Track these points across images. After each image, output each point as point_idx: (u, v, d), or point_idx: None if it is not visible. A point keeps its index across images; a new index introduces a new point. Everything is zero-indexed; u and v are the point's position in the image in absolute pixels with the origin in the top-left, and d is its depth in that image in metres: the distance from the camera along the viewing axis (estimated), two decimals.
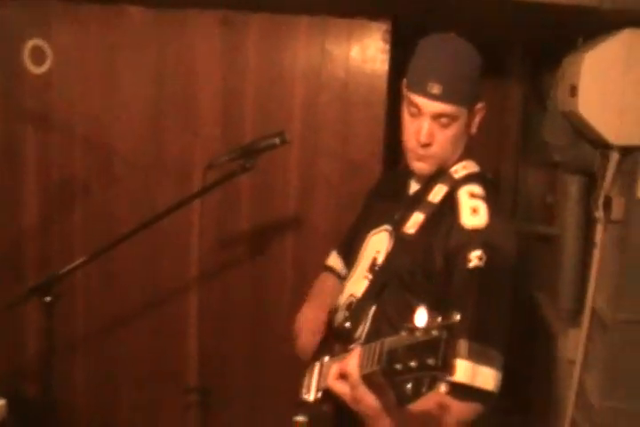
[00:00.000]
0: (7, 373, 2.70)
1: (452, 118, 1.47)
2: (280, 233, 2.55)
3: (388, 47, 2.43)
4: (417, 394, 1.06)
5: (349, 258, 1.79)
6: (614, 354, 2.06)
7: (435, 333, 0.96)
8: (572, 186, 2.59)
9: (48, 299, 1.78)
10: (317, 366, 1.61)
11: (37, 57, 2.47)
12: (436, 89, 1.43)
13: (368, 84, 2.45)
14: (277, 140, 1.76)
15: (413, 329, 0.99)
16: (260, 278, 2.59)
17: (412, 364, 0.96)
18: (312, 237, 2.52)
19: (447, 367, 0.95)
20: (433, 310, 1.01)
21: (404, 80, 1.54)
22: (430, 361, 0.95)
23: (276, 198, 2.52)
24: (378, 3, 2.20)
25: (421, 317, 0.99)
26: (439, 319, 0.98)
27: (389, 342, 1.03)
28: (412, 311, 1.44)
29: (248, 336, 2.64)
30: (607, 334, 2.10)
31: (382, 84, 2.43)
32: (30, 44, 2.45)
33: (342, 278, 1.83)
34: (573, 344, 2.37)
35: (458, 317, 0.97)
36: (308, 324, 1.72)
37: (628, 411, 2.06)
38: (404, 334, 1.00)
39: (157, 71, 2.49)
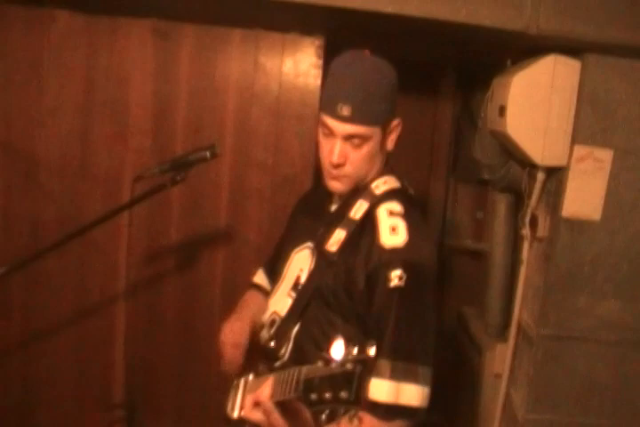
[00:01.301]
0: None
1: (364, 139, 1.48)
2: (210, 246, 2.52)
3: (320, 62, 2.45)
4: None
5: (275, 274, 1.78)
6: (539, 368, 2.11)
7: (349, 366, 0.97)
8: (501, 204, 2.66)
9: None
10: (242, 383, 1.61)
11: None
12: (345, 111, 1.43)
13: (300, 98, 2.45)
14: (208, 154, 1.73)
15: (329, 360, 0.99)
16: (190, 291, 2.55)
17: (327, 395, 0.98)
18: (242, 249, 2.50)
19: (359, 402, 0.97)
20: (352, 338, 1.02)
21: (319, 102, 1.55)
22: (343, 394, 0.96)
23: (206, 211, 2.49)
24: (310, 18, 2.21)
25: (338, 348, 1.00)
26: (355, 352, 0.99)
27: (306, 370, 1.04)
28: (335, 330, 1.46)
29: (176, 350, 2.58)
30: (532, 348, 2.15)
31: (314, 98, 2.43)
32: None
33: (268, 295, 1.81)
34: (500, 358, 2.42)
35: (373, 351, 0.99)
36: (231, 337, 1.70)
37: (552, 423, 2.12)
38: (320, 364, 1.01)
39: (87, 78, 2.42)
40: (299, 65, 2.45)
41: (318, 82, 2.44)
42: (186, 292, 2.54)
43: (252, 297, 1.89)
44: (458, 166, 3.40)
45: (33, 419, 2.63)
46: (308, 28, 2.40)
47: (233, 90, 2.44)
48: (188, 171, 1.73)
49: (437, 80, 3.33)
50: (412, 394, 1.39)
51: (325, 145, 1.52)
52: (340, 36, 2.41)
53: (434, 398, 1.45)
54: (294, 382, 1.06)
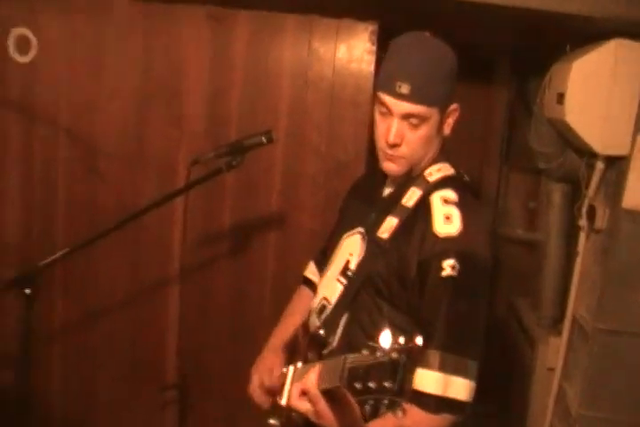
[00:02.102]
0: None
1: (422, 119, 1.44)
2: (263, 230, 2.54)
3: (374, 48, 2.42)
4: (375, 415, 1.05)
5: (326, 262, 1.78)
6: (595, 364, 2.06)
7: (395, 355, 0.95)
8: (556, 193, 2.60)
9: (28, 291, 1.75)
10: (291, 370, 1.61)
11: (22, 46, 2.43)
12: (404, 89, 1.40)
13: (354, 84, 2.44)
14: (264, 139, 1.74)
15: (375, 349, 0.98)
16: (242, 276, 2.57)
17: (371, 385, 0.96)
18: (295, 235, 2.50)
19: (403, 393, 0.94)
20: (400, 327, 0.99)
21: (377, 80, 1.52)
22: (387, 384, 0.94)
23: (260, 196, 2.50)
24: (365, 3, 2.19)
25: (385, 337, 0.98)
26: (402, 341, 0.97)
27: (352, 358, 1.03)
28: (384, 319, 1.45)
29: (228, 333, 2.61)
30: (588, 343, 2.10)
31: (368, 84, 2.42)
32: (15, 32, 2.41)
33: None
34: (553, 352, 2.37)
35: (420, 341, 0.97)
36: (262, 378, 1.72)
37: (607, 421, 2.06)
38: (365, 352, 0.99)
39: (144, 64, 2.46)
40: (352, 51, 2.43)
41: (371, 68, 2.42)
42: (238, 277, 2.57)
43: (300, 300, 1.89)
44: (511, 154, 3.34)
45: (90, 397, 2.71)
46: (362, 13, 2.38)
47: (287, 75, 2.45)
48: (244, 156, 1.74)
49: (492, 65, 3.27)
50: (461, 388, 1.37)
51: (382, 124, 1.49)
52: (393, 21, 2.39)
53: (486, 388, 1.44)
54: (340, 370, 1.05)
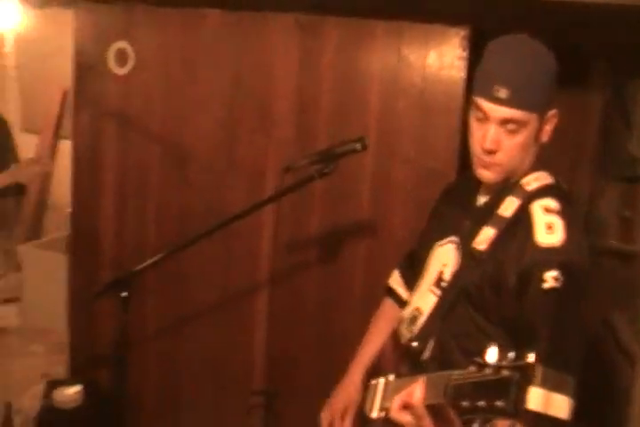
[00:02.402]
0: (84, 361, 2.78)
1: (520, 124, 1.39)
2: (352, 238, 2.52)
3: (465, 54, 2.37)
4: None
5: (413, 270, 1.74)
6: None
7: (506, 373, 0.91)
8: None
9: (124, 294, 1.82)
10: (382, 383, 1.57)
11: (121, 59, 2.53)
12: (502, 93, 1.36)
13: (445, 91, 2.40)
14: (358, 146, 1.73)
15: (483, 365, 0.94)
16: (331, 284, 2.56)
17: (480, 403, 0.92)
18: (385, 244, 2.47)
19: (518, 413, 0.90)
20: (502, 341, 0.95)
21: (472, 84, 1.48)
22: (499, 404, 0.90)
23: (349, 204, 2.49)
24: (456, 8, 2.15)
25: (492, 353, 0.95)
26: (512, 356, 0.93)
27: (457, 375, 0.99)
28: (480, 332, 1.40)
29: (316, 340, 2.61)
30: None
31: (459, 91, 2.37)
32: (115, 46, 2.52)
33: (403, 303, 1.78)
34: None
35: (532, 358, 0.93)
36: (335, 414, 1.72)
37: None
38: (472, 368, 0.96)
39: (234, 72, 2.51)
40: (443, 57, 2.39)
41: (463, 74, 2.37)
42: (327, 284, 2.57)
43: (383, 316, 1.87)
44: (605, 161, 3.21)
45: (177, 399, 2.77)
46: (453, 18, 2.34)
47: (376, 83, 2.43)
48: (337, 163, 1.73)
49: (586, 67, 3.15)
50: (562, 405, 1.30)
51: (477, 130, 1.45)
52: (485, 25, 2.34)
53: (580, 409, 1.37)
54: (444, 386, 1.02)
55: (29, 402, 3.16)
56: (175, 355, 2.74)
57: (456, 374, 0.99)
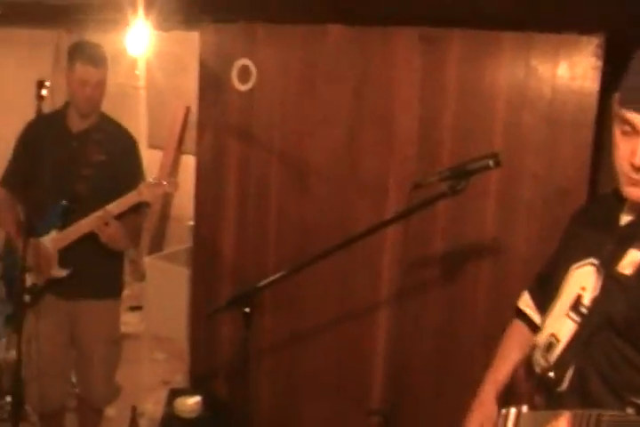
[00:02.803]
0: (203, 374, 2.85)
1: None
2: (475, 258, 2.43)
3: (599, 63, 2.24)
4: None
5: (545, 293, 1.64)
6: None
7: None
8: None
9: (247, 309, 1.83)
10: (513, 413, 1.49)
11: (244, 75, 2.60)
12: None
13: (576, 103, 2.27)
14: (491, 163, 1.65)
15: None
16: (452, 303, 2.49)
17: None
18: (510, 264, 2.36)
19: None
20: None
21: (616, 95, 1.37)
22: None
23: (472, 222, 2.41)
24: (589, 15, 2.03)
25: None
26: None
27: (610, 416, 0.91)
28: (628, 364, 1.29)
29: (437, 361, 2.54)
30: None
31: (592, 103, 2.24)
32: (238, 63, 2.58)
33: (533, 326, 1.68)
34: None
35: None
36: None
37: None
38: (630, 411, 0.87)
39: (356, 88, 2.50)
40: (575, 67, 2.27)
41: (596, 85, 2.24)
42: (448, 304, 2.49)
43: (514, 339, 1.77)
44: None
45: (294, 414, 2.78)
46: (586, 26, 2.22)
47: (502, 96, 2.34)
48: (469, 180, 1.67)
49: None
50: None
51: (625, 145, 1.34)
52: (622, 32, 2.20)
53: None
54: (593, 425, 0.94)
55: (152, 407, 3.29)
56: (293, 370, 2.75)
57: (608, 414, 0.91)
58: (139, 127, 4.73)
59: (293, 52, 2.55)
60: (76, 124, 2.62)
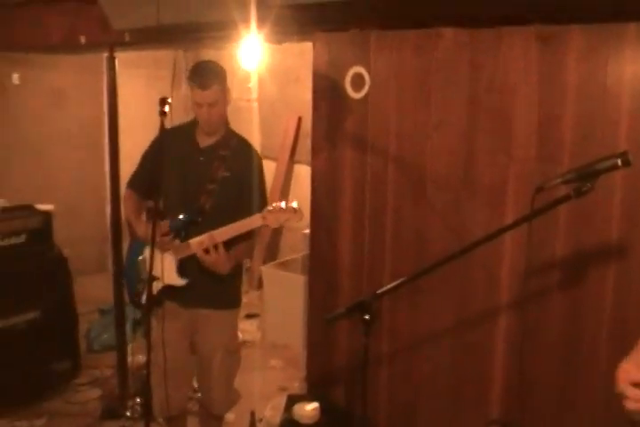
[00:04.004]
0: (321, 380, 2.87)
1: None
2: (599, 263, 2.31)
3: None
4: None
5: None
6: None
7: None
8: None
9: (367, 317, 1.82)
10: None
11: (357, 83, 2.61)
12: None
13: None
14: (619, 162, 1.57)
15: None
16: (575, 311, 2.37)
17: None
18: (636, 268, 2.23)
19: None
20: None
21: None
22: None
23: (596, 225, 2.29)
24: None
25: None
26: None
27: None
28: None
29: (558, 371, 2.43)
30: None
31: None
32: (352, 71, 2.60)
33: None
34: None
35: None
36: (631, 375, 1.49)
37: None
38: None
39: (471, 91, 2.45)
40: None
41: None
42: (570, 312, 2.38)
43: None
44: None
45: (411, 421, 2.75)
46: None
47: (627, 93, 2.21)
48: (595, 181, 1.59)
49: None
50: None
51: None
52: None
53: None
54: None
55: (270, 412, 3.35)
56: (410, 377, 2.72)
57: None
58: (252, 139, 4.89)
59: (406, 58, 2.53)
60: (204, 139, 2.71)
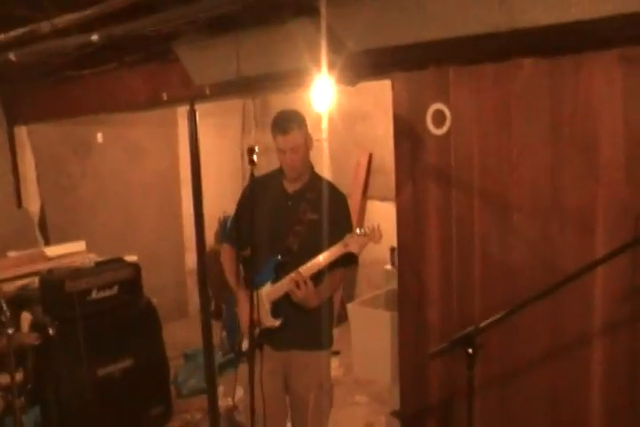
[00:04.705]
0: (414, 416, 2.84)
1: None
2: None
3: None
4: None
5: None
6: None
7: None
8: None
9: (470, 350, 1.83)
10: None
11: (438, 119, 2.65)
12: None
13: None
14: None
15: None
16: None
17: None
18: None
19: None
20: None
21: None
22: None
23: None
24: None
25: None
26: None
27: None
28: None
29: None
30: None
31: None
32: (432, 108, 2.65)
33: None
34: None
35: None
36: None
37: None
38: None
39: (553, 119, 2.44)
40: None
41: None
42: None
43: None
44: None
45: None
46: None
47: None
48: None
49: None
50: None
51: None
52: None
53: None
54: None
55: None
56: (504, 411, 2.66)
57: None
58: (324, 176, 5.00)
59: (486, 91, 2.54)
60: (291, 184, 2.82)
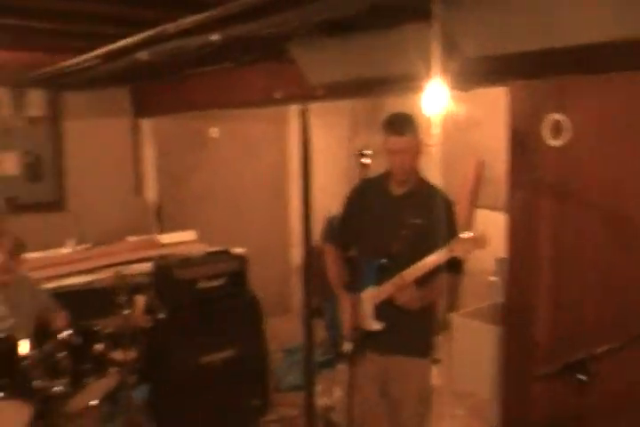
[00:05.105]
0: None
1: None
2: None
3: None
4: None
5: None
6: None
7: None
8: None
9: (583, 377, 1.74)
10: None
11: (556, 130, 2.54)
12: None
13: None
14: None
15: None
16: None
17: None
18: None
19: None
20: None
21: None
22: None
23: None
24: None
25: None
26: None
27: None
28: None
29: None
30: None
31: None
32: (550, 118, 2.54)
33: None
34: None
35: None
36: None
37: None
38: None
39: None
40: None
41: None
42: None
43: None
44: None
45: None
46: None
47: None
48: None
49: None
50: None
51: None
52: None
53: None
54: None
55: None
56: None
57: None
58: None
59: (609, 102, 2.42)
60: (397, 188, 2.79)
